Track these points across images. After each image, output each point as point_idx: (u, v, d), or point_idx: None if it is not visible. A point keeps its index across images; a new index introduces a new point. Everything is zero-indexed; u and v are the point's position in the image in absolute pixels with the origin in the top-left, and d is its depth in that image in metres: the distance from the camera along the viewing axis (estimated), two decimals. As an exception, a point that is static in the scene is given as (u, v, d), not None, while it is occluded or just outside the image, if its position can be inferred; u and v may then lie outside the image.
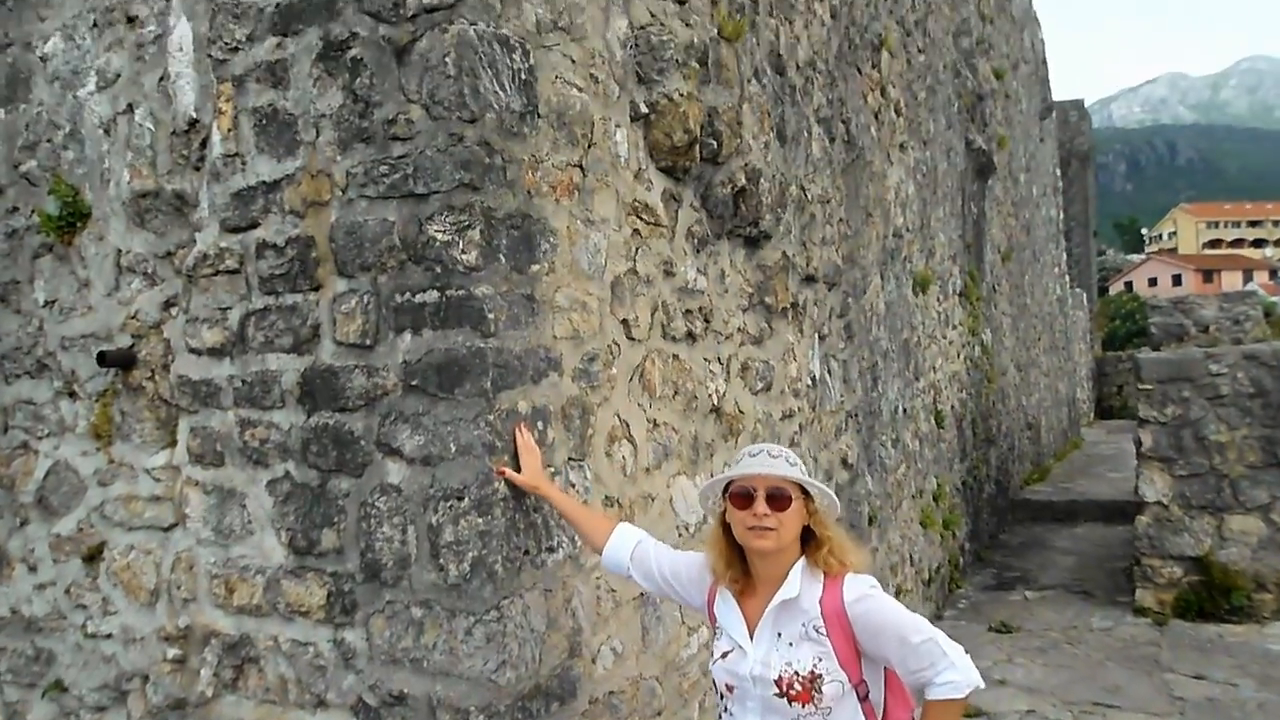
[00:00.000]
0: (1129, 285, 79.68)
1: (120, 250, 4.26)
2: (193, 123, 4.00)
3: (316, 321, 3.72)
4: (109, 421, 4.30)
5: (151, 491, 4.20)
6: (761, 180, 5.23)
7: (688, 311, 4.74)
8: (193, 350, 4.03)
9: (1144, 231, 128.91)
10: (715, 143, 4.75)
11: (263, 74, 3.80)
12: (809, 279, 6.13)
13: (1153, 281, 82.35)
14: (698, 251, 4.82)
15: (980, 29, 14.30)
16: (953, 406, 11.16)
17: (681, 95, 4.44)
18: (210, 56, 3.94)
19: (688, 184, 4.73)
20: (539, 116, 3.72)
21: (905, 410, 8.87)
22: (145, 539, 4.21)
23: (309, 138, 3.70)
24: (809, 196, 6.13)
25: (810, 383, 6.20)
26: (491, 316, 3.42)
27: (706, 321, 4.91)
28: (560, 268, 3.81)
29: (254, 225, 3.85)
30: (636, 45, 4.33)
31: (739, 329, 5.26)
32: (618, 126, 4.21)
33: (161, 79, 4.08)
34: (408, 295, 3.49)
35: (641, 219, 4.36)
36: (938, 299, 10.57)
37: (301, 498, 3.74)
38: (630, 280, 4.27)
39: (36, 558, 4.57)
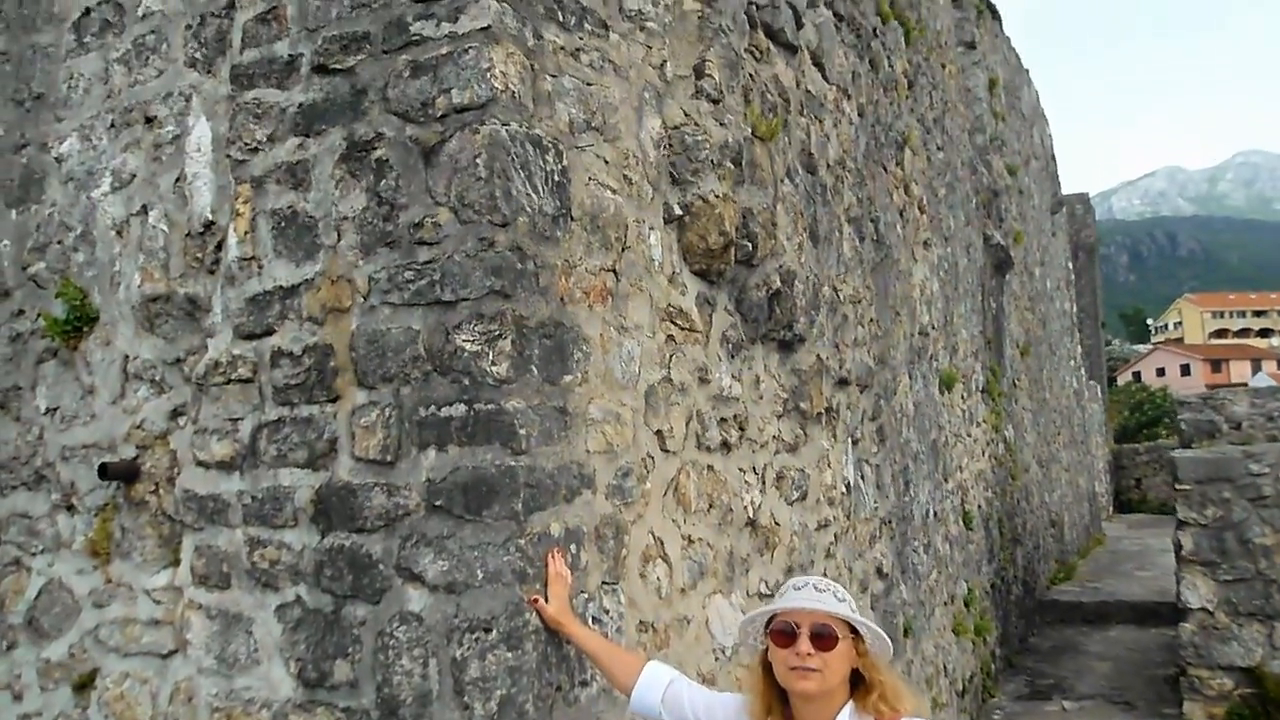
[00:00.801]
0: (1137, 376, 79.36)
1: (128, 356, 4.04)
2: (208, 225, 3.83)
3: (334, 435, 3.47)
4: (108, 538, 4.03)
5: (151, 614, 3.90)
6: (796, 282, 5.03)
7: (722, 420, 4.49)
8: (200, 463, 3.78)
9: (1149, 322, 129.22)
10: (750, 244, 4.57)
11: (283, 175, 3.64)
12: (842, 382, 5.90)
13: (1160, 372, 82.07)
14: (732, 357, 4.60)
15: (993, 126, 14.36)
16: (979, 506, 10.82)
17: (717, 196, 4.27)
18: (229, 157, 3.79)
19: (722, 287, 4.53)
20: (572, 219, 3.53)
21: (936, 513, 8.55)
22: (141, 666, 3.90)
23: (330, 241, 3.51)
24: (841, 297, 5.94)
25: (845, 490, 5.92)
26: (523, 432, 3.18)
27: (741, 430, 4.66)
28: (594, 378, 3.58)
29: (269, 332, 3.64)
30: (670, 146, 4.17)
31: (774, 437, 5.00)
32: (651, 229, 4.03)
33: (178, 180, 3.92)
34: (433, 409, 3.25)
35: (676, 324, 4.15)
36: (962, 396, 10.33)
37: (313, 625, 3.44)
38: (664, 389, 4.04)
39: (23, 684, 4.25)
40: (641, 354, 3.91)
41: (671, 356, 4.13)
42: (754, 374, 4.83)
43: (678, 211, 4.18)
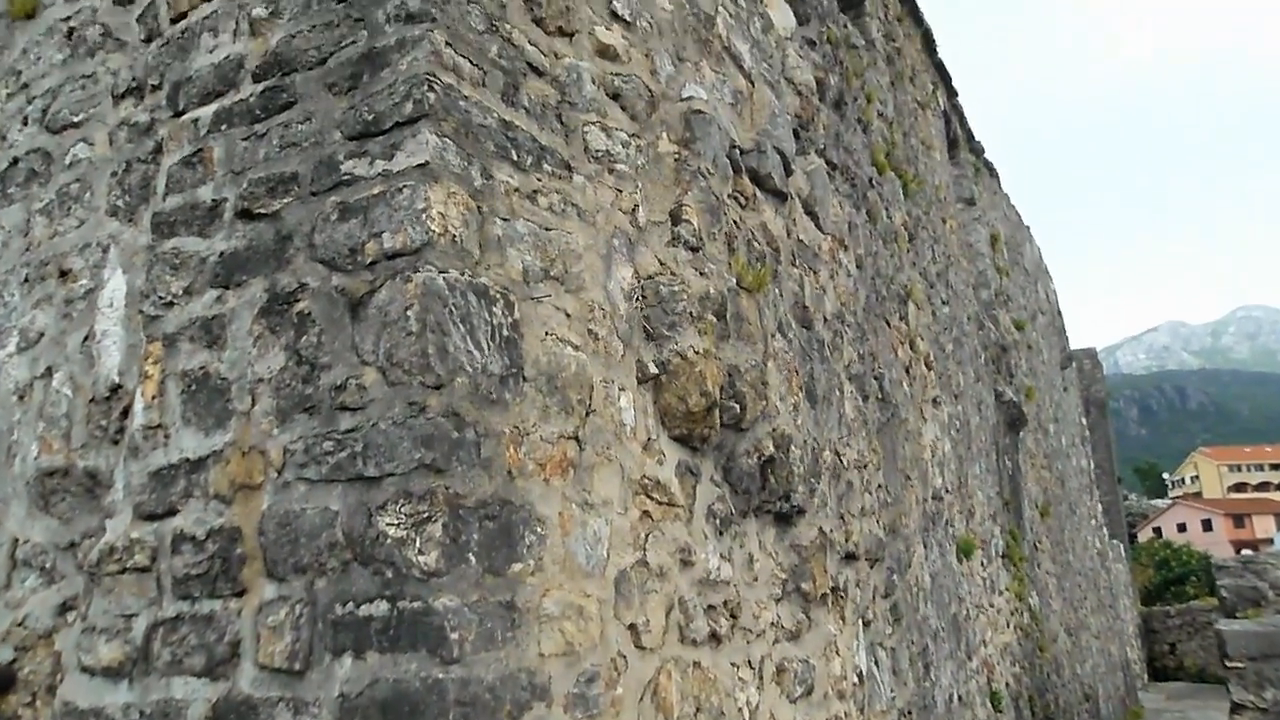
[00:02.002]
0: (1158, 532, 77.43)
1: (17, 540, 3.50)
2: (115, 388, 3.36)
3: (236, 637, 2.90)
4: (-22, 760, 3.39)
5: None
6: (792, 447, 4.51)
7: (710, 607, 3.88)
8: (85, 669, 3.19)
9: (1165, 476, 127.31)
10: (738, 406, 4.07)
11: (197, 332, 3.19)
12: (849, 557, 5.28)
13: (1182, 527, 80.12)
14: (720, 534, 4.02)
15: (997, 281, 14.13)
16: (1007, 684, 9.92)
17: (697, 353, 3.80)
18: (142, 313, 3.36)
19: (707, 455, 4.00)
20: (524, 380, 3.05)
21: (960, 697, 7.73)
22: None
23: (243, 407, 3.03)
24: (844, 462, 5.39)
25: (857, 680, 5.22)
26: (455, 636, 2.62)
27: (733, 618, 4.04)
28: (550, 565, 3.02)
29: (172, 512, 3.12)
30: (644, 297, 3.73)
31: (772, 624, 4.37)
32: (622, 390, 3.54)
33: (86, 339, 3.49)
34: (350, 606, 2.71)
35: (652, 499, 3.60)
36: (981, 564, 9.62)
37: None
38: (639, 574, 3.46)
39: None
40: (611, 534, 3.36)
41: (648, 536, 3.56)
42: (747, 553, 4.24)
43: (653, 370, 3.71)
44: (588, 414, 3.33)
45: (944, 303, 9.72)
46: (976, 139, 14.99)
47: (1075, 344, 25.61)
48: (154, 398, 3.24)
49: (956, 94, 13.58)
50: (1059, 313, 21.65)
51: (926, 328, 8.55)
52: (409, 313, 2.78)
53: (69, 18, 4.08)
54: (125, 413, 3.32)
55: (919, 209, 9.18)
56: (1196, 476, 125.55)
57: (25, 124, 4.07)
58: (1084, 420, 23.83)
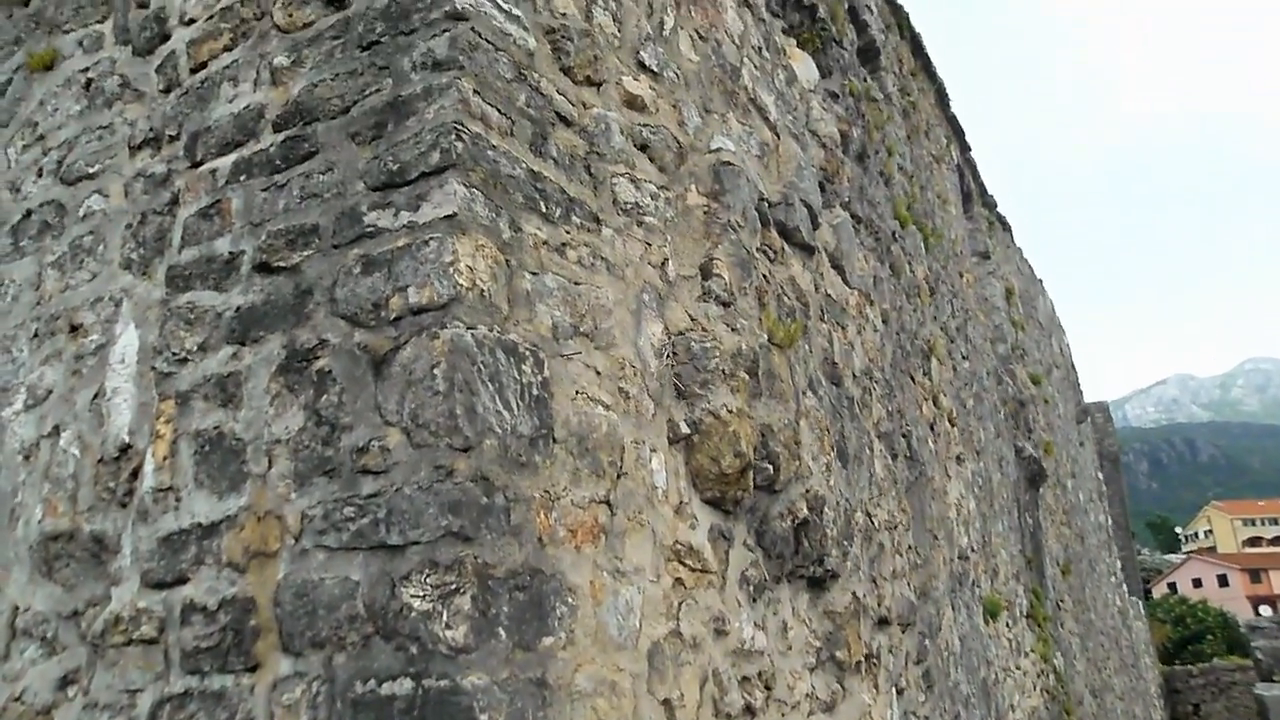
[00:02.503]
0: (1173, 587, 76.23)
1: (17, 607, 3.33)
2: (124, 448, 3.22)
3: (249, 716, 2.73)
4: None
5: None
6: (825, 509, 4.33)
7: (745, 679, 3.68)
8: (85, 751, 3.00)
9: (1178, 531, 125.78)
10: (771, 467, 3.90)
11: (212, 390, 3.05)
12: (882, 622, 5.07)
13: (1197, 583, 78.90)
14: (754, 601, 3.84)
15: (1013, 335, 13.99)
16: (1035, 752, 9.60)
17: (730, 411, 3.65)
18: (154, 369, 3.22)
19: (740, 518, 3.83)
20: (555, 441, 2.90)
21: (990, 767, 7.43)
22: None
23: (259, 469, 2.88)
24: (876, 523, 5.21)
25: (890, 753, 4.98)
26: (485, 718, 2.43)
27: (768, 690, 3.83)
28: (581, 638, 2.84)
29: (182, 580, 2.95)
30: (674, 354, 3.59)
31: (806, 695, 4.16)
32: (654, 451, 3.38)
33: (96, 396, 3.35)
34: (372, 684, 2.53)
35: (685, 565, 3.43)
36: (1007, 624, 9.34)
37: None
38: (672, 645, 3.27)
39: None
40: (643, 604, 3.18)
41: (681, 605, 3.38)
42: (780, 620, 4.04)
43: (685, 430, 3.55)
44: (619, 477, 3.17)
45: (964, 357, 9.58)
46: (989, 193, 14.97)
47: (1086, 398, 25.39)
48: (165, 459, 3.09)
49: (970, 148, 13.57)
50: (1073, 366, 21.48)
51: (949, 383, 8.39)
52: (435, 371, 2.64)
53: (87, 69, 4.01)
54: (135, 474, 3.18)
55: (938, 263, 9.08)
56: (1210, 531, 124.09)
57: (40, 176, 3.98)
58: (1100, 475, 23.53)
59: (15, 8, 4.50)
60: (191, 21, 3.69)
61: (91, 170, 3.77)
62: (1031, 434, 13.30)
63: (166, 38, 3.77)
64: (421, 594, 2.53)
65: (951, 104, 12.41)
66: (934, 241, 8.84)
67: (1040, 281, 19.10)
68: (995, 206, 15.25)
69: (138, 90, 3.79)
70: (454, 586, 2.51)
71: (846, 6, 7.24)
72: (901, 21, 10.36)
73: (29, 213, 3.93)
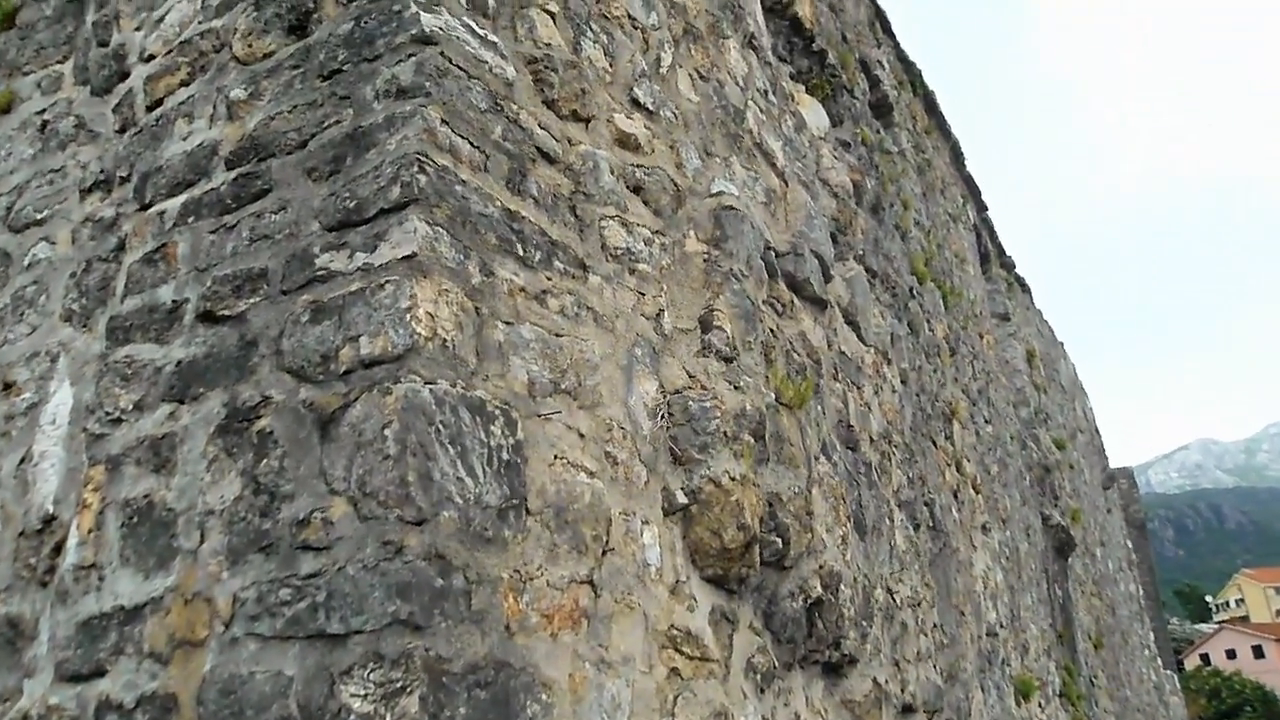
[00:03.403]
0: (1205, 658, 74.14)
1: (-74, 702, 2.96)
2: (48, 520, 2.88)
3: (166, 837, 2.32)
4: None
5: None
6: (841, 586, 3.91)
7: (750, 785, 3.25)
8: None
9: (1209, 600, 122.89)
10: (780, 540, 3.51)
11: (144, 454, 2.71)
12: (906, 710, 4.61)
13: (1231, 654, 76.68)
14: (762, 692, 3.41)
15: (1036, 399, 13.58)
16: (1072, 845, 8.96)
17: (733, 479, 3.27)
18: (86, 431, 2.89)
19: (745, 598, 3.42)
20: (528, 513, 2.54)
21: None
22: None
23: (190, 544, 2.52)
24: (897, 600, 4.77)
25: None
26: (431, 847, 2.03)
27: (777, 796, 3.40)
28: (556, 743, 2.44)
29: (99, 673, 2.58)
30: (670, 414, 3.23)
31: (821, 799, 3.71)
32: (646, 524, 3.00)
33: (23, 461, 3.02)
34: (304, 803, 2.13)
35: (682, 653, 3.02)
36: (1040, 705, 8.78)
37: None
38: (665, 748, 2.86)
39: None
40: (633, 699, 2.77)
41: (677, 699, 2.97)
42: (792, 712, 3.61)
43: (682, 500, 3.17)
44: (604, 553, 2.79)
45: (986, 421, 9.17)
46: (1007, 254, 14.67)
47: (1112, 464, 24.75)
48: (90, 532, 2.74)
49: (986, 208, 13.31)
50: (1097, 431, 20.95)
51: (972, 448, 7.98)
52: (386, 432, 2.29)
53: (44, 110, 3.76)
54: (58, 549, 2.83)
55: (957, 322, 8.74)
56: (1242, 600, 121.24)
57: (-11, 224, 3.70)
58: (1129, 543, 22.84)
59: (-19, 52, 4.28)
60: (151, 58, 3.43)
61: (40, 216, 3.50)
62: (1058, 501, 12.80)
63: (125, 75, 3.51)
64: (363, 693, 2.15)
65: (967, 163, 12.18)
66: (953, 300, 8.50)
67: (1061, 344, 18.70)
68: (1014, 267, 14.94)
69: (93, 131, 3.52)
70: (400, 684, 2.13)
71: (857, 57, 7.00)
72: (914, 79, 10.16)
73: (-25, 263, 3.65)
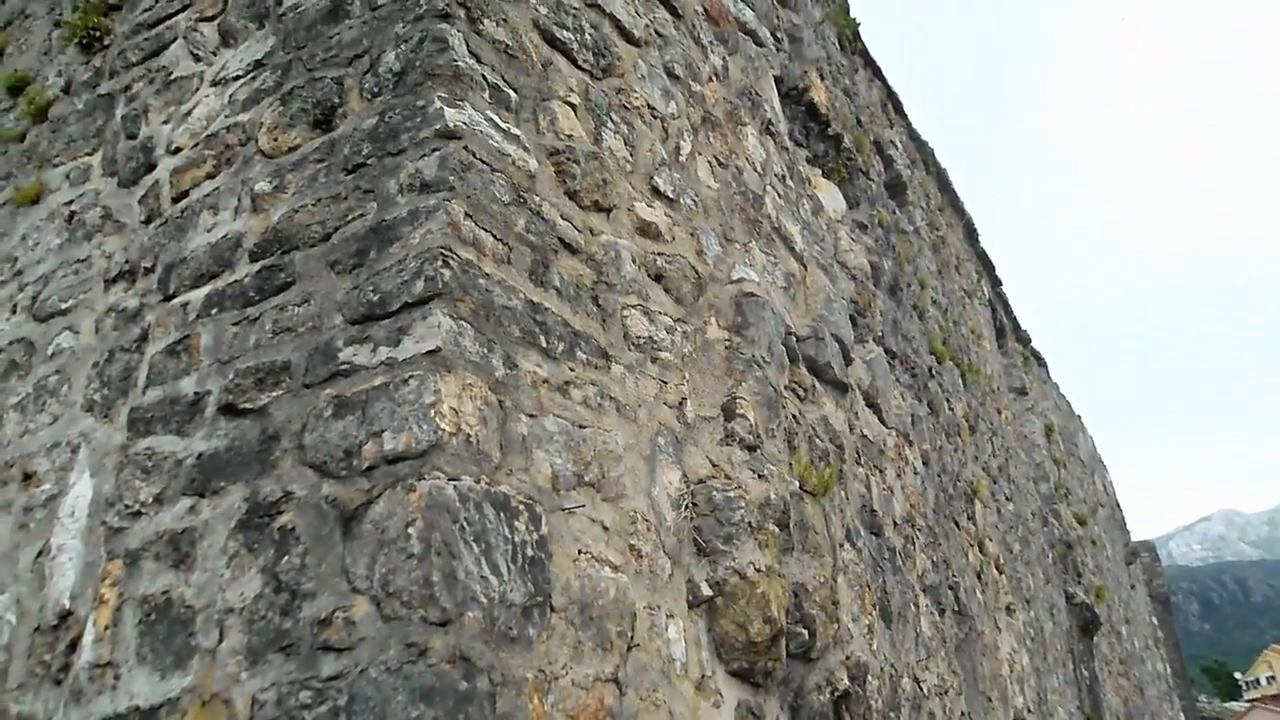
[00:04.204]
0: (1236, 739, 71.95)
1: (-67, 806, 2.89)
2: (64, 615, 2.83)
3: None
4: None
5: None
6: (869, 677, 3.82)
7: None
8: None
9: (1237, 676, 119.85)
10: (806, 632, 3.43)
11: (164, 548, 2.68)
12: (936, 808, 4.47)
13: (1263, 734, 74.42)
14: (788, 794, 3.31)
15: (1056, 474, 13.43)
16: None
17: (758, 570, 3.21)
18: (105, 524, 2.86)
19: (771, 692, 3.33)
20: (552, 610, 2.49)
21: None
22: None
23: (208, 643, 2.47)
24: (924, 689, 4.65)
25: None
26: None
27: None
28: None
29: (113, 778, 2.51)
30: (694, 505, 3.19)
31: None
32: (670, 618, 2.94)
33: (40, 554, 2.98)
34: None
35: (707, 753, 2.94)
36: (1070, 796, 8.51)
37: None
38: None
39: None
40: (657, 804, 2.69)
41: (702, 801, 2.88)
42: (819, 813, 3.49)
43: (707, 592, 3.11)
44: (629, 649, 2.73)
45: (1008, 499, 9.06)
46: (1023, 328, 14.65)
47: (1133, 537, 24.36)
48: (107, 628, 2.69)
49: (1001, 283, 13.33)
50: (1118, 505, 20.67)
51: (994, 527, 7.86)
52: (410, 530, 2.26)
53: (71, 201, 3.81)
54: (73, 646, 2.77)
55: (976, 399, 8.68)
56: (1273, 676, 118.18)
57: (14, 312, 3.73)
58: (1154, 620, 22.36)
59: (11, 144, 4.36)
60: (178, 150, 3.48)
61: (65, 306, 3.52)
62: (1081, 578, 12.58)
63: (152, 167, 3.56)
64: (385, 808, 2.08)
65: (980, 238, 12.23)
66: (971, 377, 8.46)
67: (1079, 417, 18.56)
68: (1029, 341, 14.91)
69: (119, 222, 3.56)
70: (423, 797, 2.06)
71: (872, 140, 7.08)
72: (927, 157, 10.27)
73: (-1, 351, 3.66)
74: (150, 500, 2.79)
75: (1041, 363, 15.78)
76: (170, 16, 3.93)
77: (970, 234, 11.98)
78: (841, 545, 3.96)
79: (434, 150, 2.73)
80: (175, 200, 3.37)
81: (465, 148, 2.76)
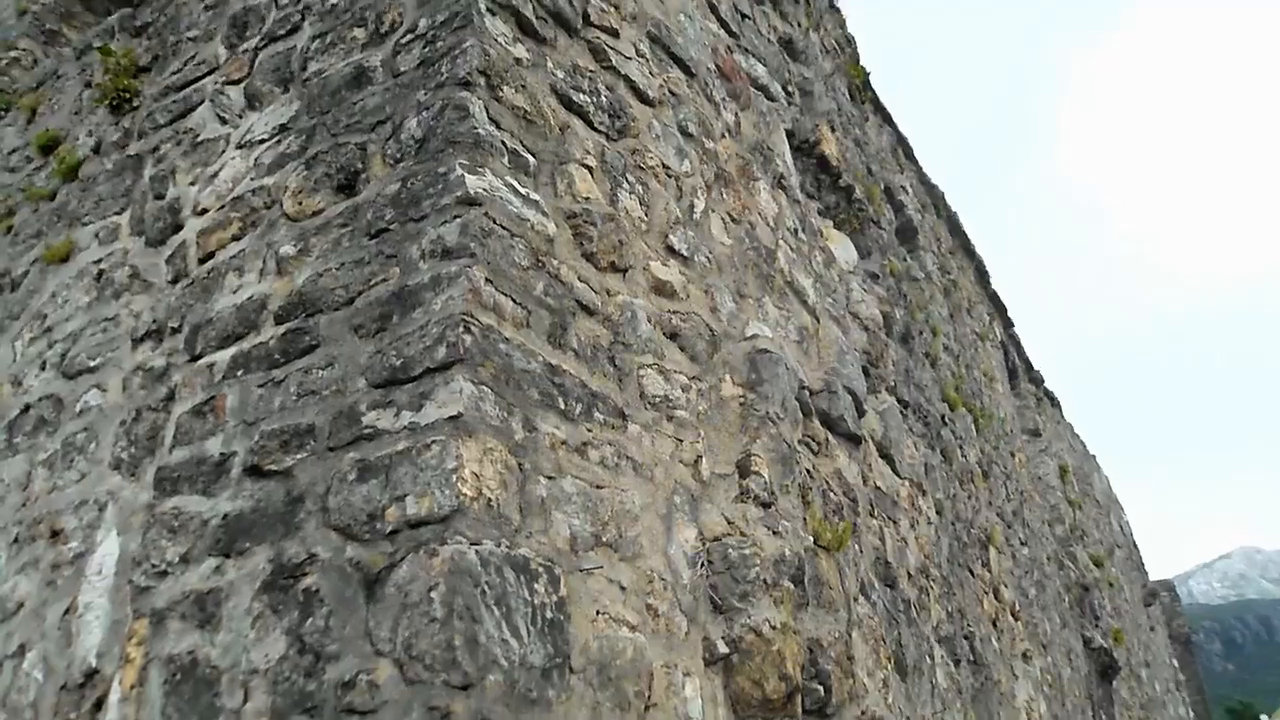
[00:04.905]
0: (1262, 784, 70.58)
1: None
2: (91, 674, 2.88)
3: None
4: None
5: None
6: (885, 733, 3.82)
7: None
8: None
9: (1264, 718, 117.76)
10: (822, 688, 3.44)
11: (190, 608, 2.73)
12: None
13: (1290, 779, 72.96)
14: None
15: (1071, 516, 13.34)
16: None
17: (774, 627, 3.23)
18: (132, 582, 2.91)
19: (787, 749, 3.34)
20: (571, 672, 2.52)
21: None
22: None
23: (233, 703, 2.51)
24: (941, 744, 4.64)
25: None
26: None
27: None
28: None
29: (136, 841, 2.54)
30: (710, 563, 3.22)
31: None
32: (687, 675, 2.96)
33: (68, 611, 3.03)
34: None
35: (724, 814, 2.95)
36: (1090, 846, 8.39)
37: None
38: None
39: None
40: None
41: None
42: None
43: (723, 649, 3.13)
44: (647, 709, 2.75)
45: (1022, 543, 9.02)
46: (1035, 369, 14.64)
47: (1151, 576, 24.12)
48: (132, 688, 2.73)
49: (1012, 324, 13.35)
50: (1135, 545, 20.49)
51: (1009, 573, 7.83)
52: (433, 594, 2.30)
53: (100, 260, 3.90)
54: (99, 704, 2.82)
55: (989, 444, 8.68)
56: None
57: (43, 369, 3.81)
58: (1175, 662, 22.07)
59: (42, 202, 4.47)
60: (204, 211, 3.57)
61: (93, 363, 3.59)
62: (1099, 622, 12.46)
63: (179, 228, 3.65)
64: None
65: (991, 280, 12.27)
66: (984, 422, 8.47)
67: (1094, 457, 18.47)
68: (1042, 382, 14.88)
69: (147, 281, 3.65)
70: None
71: (883, 187, 7.16)
72: (937, 201, 10.34)
73: (27, 407, 3.74)
74: (176, 560, 2.84)
75: (1055, 403, 15.74)
76: (198, 80, 4.04)
77: (981, 276, 12.02)
78: (856, 599, 3.98)
79: (455, 217, 2.80)
80: (202, 261, 3.46)
81: (486, 214, 2.83)
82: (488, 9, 3.25)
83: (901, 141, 9.54)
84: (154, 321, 3.47)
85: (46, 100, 4.90)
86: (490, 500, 2.46)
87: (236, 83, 3.86)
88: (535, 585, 2.49)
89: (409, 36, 3.29)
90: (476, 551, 2.37)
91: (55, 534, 3.24)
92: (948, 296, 9.22)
